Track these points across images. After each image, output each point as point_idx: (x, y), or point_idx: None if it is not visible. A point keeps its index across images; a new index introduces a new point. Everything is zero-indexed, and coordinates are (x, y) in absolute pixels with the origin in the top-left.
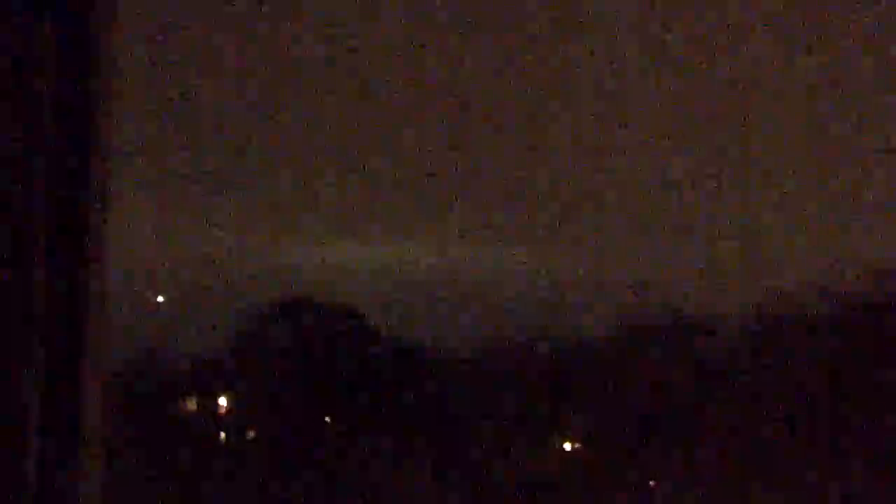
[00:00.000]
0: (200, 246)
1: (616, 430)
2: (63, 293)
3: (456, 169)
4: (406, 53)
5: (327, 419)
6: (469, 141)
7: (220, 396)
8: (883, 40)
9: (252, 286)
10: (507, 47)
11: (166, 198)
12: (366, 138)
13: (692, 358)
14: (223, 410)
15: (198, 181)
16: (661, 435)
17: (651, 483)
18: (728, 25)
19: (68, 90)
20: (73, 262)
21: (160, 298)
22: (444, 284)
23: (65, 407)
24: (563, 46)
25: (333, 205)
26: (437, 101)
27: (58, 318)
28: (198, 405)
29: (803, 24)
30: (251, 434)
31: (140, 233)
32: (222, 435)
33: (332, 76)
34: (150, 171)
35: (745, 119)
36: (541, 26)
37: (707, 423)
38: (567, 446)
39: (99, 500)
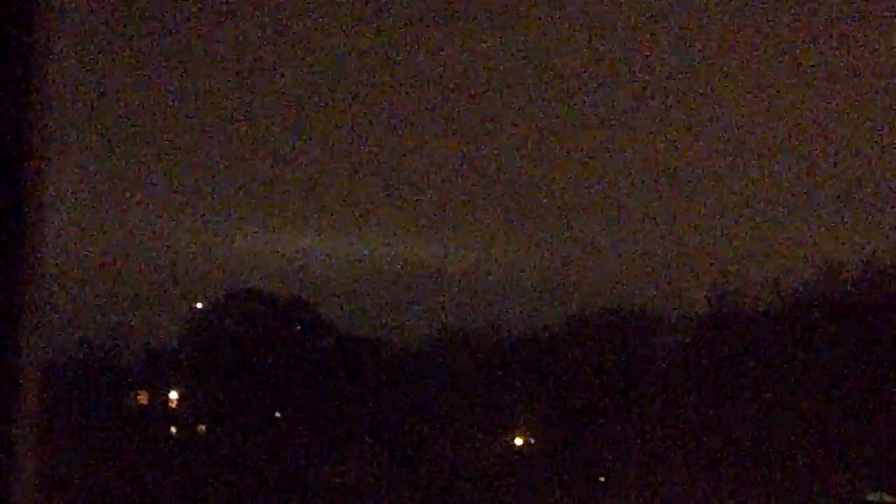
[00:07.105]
0: (157, 238)
1: (567, 425)
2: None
3: (413, 165)
4: (368, 48)
5: (277, 414)
6: (428, 138)
7: (171, 390)
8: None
9: (206, 277)
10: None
11: (124, 188)
12: (326, 133)
13: (641, 353)
14: (174, 404)
15: (157, 173)
16: (611, 429)
17: (601, 479)
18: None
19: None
20: (9, 259)
21: (199, 305)
22: (398, 277)
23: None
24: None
25: (285, 196)
26: (396, 98)
27: None
28: (149, 398)
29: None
30: (201, 428)
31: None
32: (173, 429)
33: (304, 72)
34: (107, 160)
35: (704, 119)
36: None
37: (660, 418)
38: (518, 441)
39: (32, 491)
